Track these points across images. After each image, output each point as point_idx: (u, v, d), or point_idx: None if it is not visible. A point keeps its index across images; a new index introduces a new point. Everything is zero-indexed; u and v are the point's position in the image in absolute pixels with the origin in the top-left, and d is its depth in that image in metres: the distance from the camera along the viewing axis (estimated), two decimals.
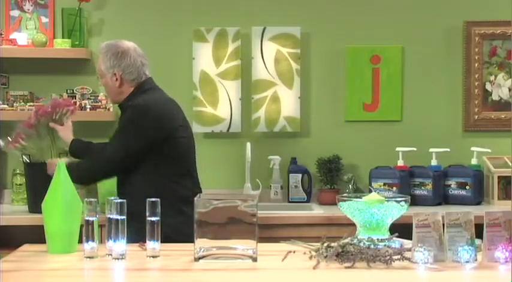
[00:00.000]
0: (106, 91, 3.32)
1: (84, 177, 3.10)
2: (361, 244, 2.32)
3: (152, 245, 2.37)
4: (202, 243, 2.31)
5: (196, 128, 4.01)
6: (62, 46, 3.96)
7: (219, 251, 2.33)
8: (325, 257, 2.29)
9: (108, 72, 3.16)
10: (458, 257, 2.28)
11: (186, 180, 3.13)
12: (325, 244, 2.35)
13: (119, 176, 3.15)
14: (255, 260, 2.31)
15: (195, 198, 2.35)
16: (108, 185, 3.47)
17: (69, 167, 2.59)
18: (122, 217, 2.34)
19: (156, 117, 3.07)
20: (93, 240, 2.38)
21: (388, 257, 2.23)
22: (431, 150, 4.03)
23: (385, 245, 2.33)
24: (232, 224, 2.35)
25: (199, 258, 2.31)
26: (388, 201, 2.51)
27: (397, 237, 2.43)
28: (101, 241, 2.60)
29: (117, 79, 3.15)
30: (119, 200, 2.36)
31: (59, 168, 2.51)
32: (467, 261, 2.27)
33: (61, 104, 3.50)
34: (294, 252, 2.38)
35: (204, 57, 4.12)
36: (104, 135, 4.04)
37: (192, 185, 3.16)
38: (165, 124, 3.09)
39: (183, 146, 3.15)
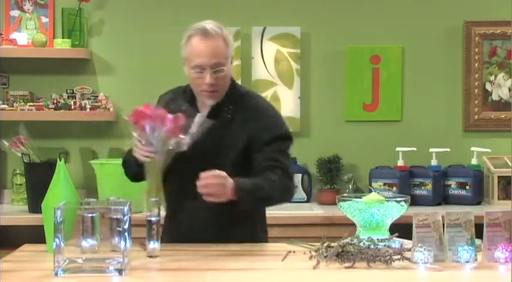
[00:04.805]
0: (217, 86, 2.51)
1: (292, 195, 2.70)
2: (361, 244, 2.31)
3: (152, 245, 2.37)
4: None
5: None
6: (62, 46, 3.96)
7: None
8: (325, 257, 2.29)
9: (231, 56, 2.57)
10: (458, 257, 2.28)
11: None
12: (325, 244, 2.35)
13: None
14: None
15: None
16: (108, 185, 3.47)
17: (263, 191, 2.49)
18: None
19: None
20: None
21: (388, 257, 2.23)
22: (431, 150, 4.03)
23: (385, 245, 2.32)
24: None
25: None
26: (388, 201, 2.51)
27: (397, 237, 2.43)
28: None
29: (232, 64, 2.59)
30: (119, 200, 2.35)
31: (59, 168, 2.50)
32: (467, 261, 2.27)
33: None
34: (294, 252, 2.38)
35: None
36: (103, 136, 4.06)
37: None
38: None
39: None
